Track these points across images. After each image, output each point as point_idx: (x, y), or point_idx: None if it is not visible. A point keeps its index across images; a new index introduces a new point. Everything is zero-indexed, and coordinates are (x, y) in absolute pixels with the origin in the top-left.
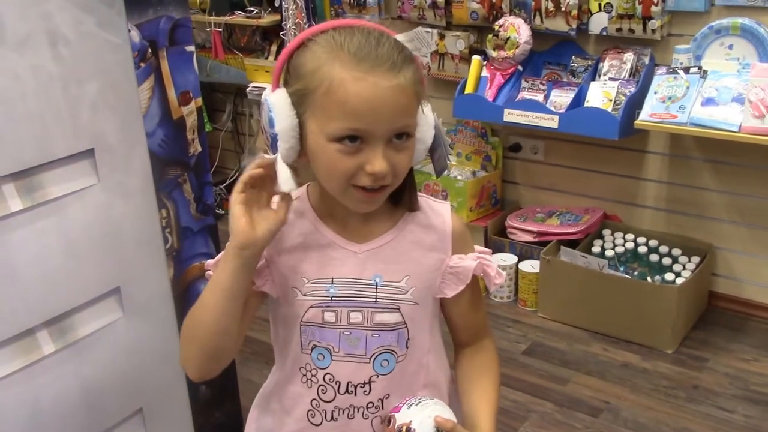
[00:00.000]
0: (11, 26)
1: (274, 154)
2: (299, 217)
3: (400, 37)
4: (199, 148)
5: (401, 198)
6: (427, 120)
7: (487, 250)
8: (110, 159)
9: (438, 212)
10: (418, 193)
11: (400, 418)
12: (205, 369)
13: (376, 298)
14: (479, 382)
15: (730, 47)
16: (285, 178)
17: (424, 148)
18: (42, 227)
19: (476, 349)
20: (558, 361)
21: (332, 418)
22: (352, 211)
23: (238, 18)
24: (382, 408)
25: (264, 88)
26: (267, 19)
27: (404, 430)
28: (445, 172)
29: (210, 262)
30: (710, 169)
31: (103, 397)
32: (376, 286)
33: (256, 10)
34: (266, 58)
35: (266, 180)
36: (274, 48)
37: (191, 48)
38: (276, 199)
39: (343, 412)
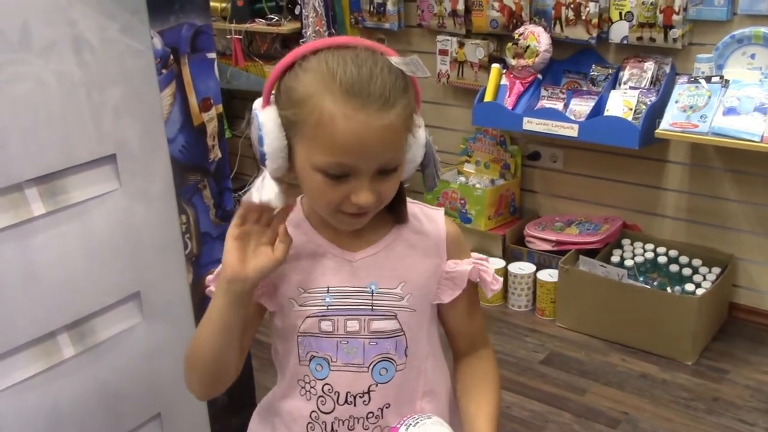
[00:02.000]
0: (37, 32)
1: (263, 166)
2: (294, 228)
3: (396, 60)
4: (219, 155)
5: (393, 207)
6: (418, 141)
7: (484, 256)
8: (132, 164)
9: (432, 218)
10: (413, 201)
11: None
12: (208, 392)
13: (372, 306)
14: (478, 394)
15: (753, 56)
16: (274, 194)
17: (413, 166)
18: (64, 231)
19: (474, 359)
20: (576, 371)
21: (332, 430)
22: None
23: (259, 25)
24: (382, 417)
25: None
26: (287, 26)
27: None
28: (464, 180)
29: (210, 277)
30: (731, 179)
31: (122, 401)
32: (372, 293)
33: (277, 18)
34: None
35: (266, 214)
36: None
37: (212, 55)
38: (282, 231)
39: (343, 424)
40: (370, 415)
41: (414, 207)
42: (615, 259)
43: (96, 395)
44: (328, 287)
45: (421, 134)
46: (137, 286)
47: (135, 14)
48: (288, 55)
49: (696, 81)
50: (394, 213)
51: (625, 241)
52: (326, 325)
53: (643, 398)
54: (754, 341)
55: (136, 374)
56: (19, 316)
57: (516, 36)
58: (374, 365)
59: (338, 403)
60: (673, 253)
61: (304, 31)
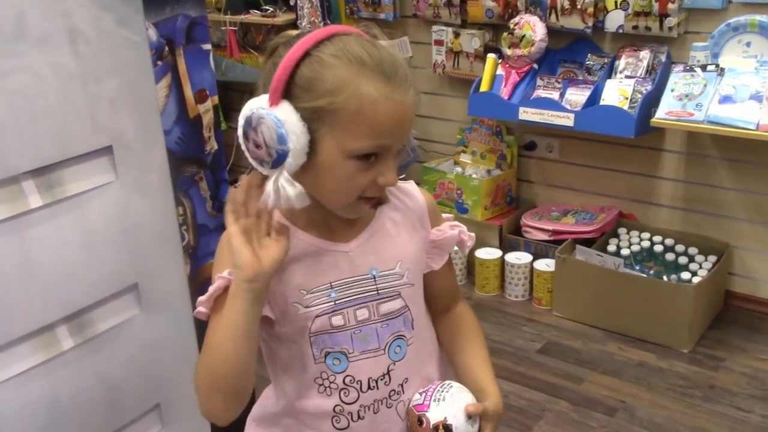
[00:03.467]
0: (32, 24)
1: (274, 169)
2: (278, 232)
3: (386, 44)
4: (215, 146)
5: None
6: None
7: (451, 215)
8: (128, 156)
9: (408, 193)
10: None
11: (433, 417)
12: (233, 412)
13: (377, 290)
14: (470, 348)
15: (748, 45)
16: (299, 194)
17: None
18: (61, 223)
19: (456, 314)
20: (573, 360)
21: (359, 417)
22: (333, 214)
23: (254, 17)
24: (403, 392)
25: None
26: (282, 17)
27: (441, 428)
28: (460, 170)
29: (202, 299)
30: (727, 168)
31: (121, 392)
32: (374, 278)
33: (271, 9)
34: None
35: (253, 203)
36: None
37: (208, 46)
38: (276, 221)
39: (369, 409)
40: (392, 392)
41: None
42: (611, 248)
43: (95, 387)
44: (330, 283)
45: None
46: (135, 278)
47: (130, 5)
48: (293, 49)
49: (692, 69)
50: None
51: (621, 230)
52: (337, 320)
53: (640, 386)
54: (749, 329)
55: (135, 365)
56: (17, 309)
57: (511, 26)
58: (389, 345)
59: (362, 391)
60: (669, 241)
61: (299, 22)
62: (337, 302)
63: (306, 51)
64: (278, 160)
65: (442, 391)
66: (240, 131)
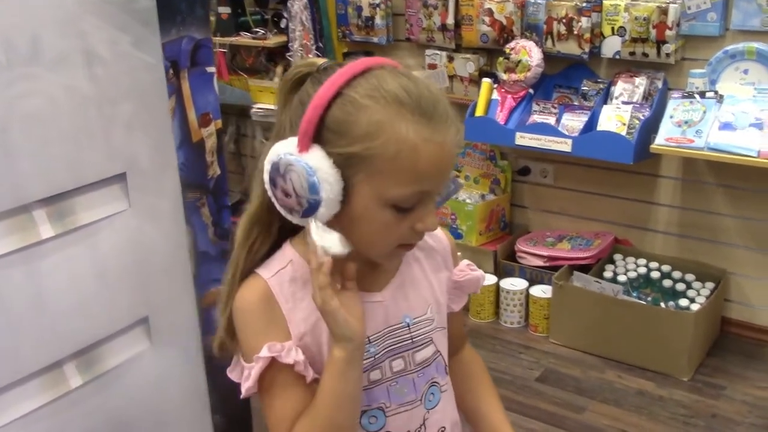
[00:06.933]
0: (48, 45)
1: (305, 217)
2: (304, 285)
3: (421, 75)
4: (218, 171)
5: None
6: None
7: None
8: (142, 182)
9: (432, 233)
10: None
11: None
12: None
13: (411, 339)
14: (483, 393)
15: (745, 72)
16: (336, 240)
17: None
18: (72, 254)
19: (464, 358)
20: (573, 389)
21: None
22: (362, 260)
23: (244, 39)
24: None
25: (269, 110)
26: (273, 40)
27: None
28: (454, 196)
29: (248, 384)
30: (724, 194)
31: (129, 428)
32: (409, 326)
33: (262, 32)
34: (271, 80)
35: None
36: (279, 69)
37: (212, 69)
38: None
39: None
40: None
41: None
42: (607, 274)
43: (102, 426)
44: (368, 337)
45: None
46: (146, 311)
47: (146, 26)
48: (323, 88)
49: (690, 96)
50: None
51: (617, 257)
52: (375, 374)
53: (641, 416)
54: (747, 356)
55: (144, 402)
56: (27, 345)
57: (507, 50)
58: (425, 394)
59: None
60: (665, 268)
61: (290, 44)
62: (376, 357)
63: (337, 90)
64: (309, 210)
65: None
66: (266, 176)
